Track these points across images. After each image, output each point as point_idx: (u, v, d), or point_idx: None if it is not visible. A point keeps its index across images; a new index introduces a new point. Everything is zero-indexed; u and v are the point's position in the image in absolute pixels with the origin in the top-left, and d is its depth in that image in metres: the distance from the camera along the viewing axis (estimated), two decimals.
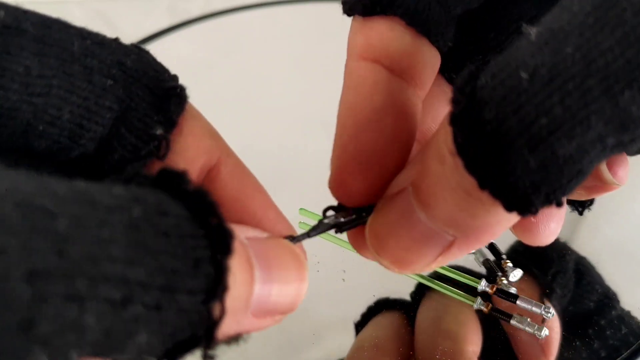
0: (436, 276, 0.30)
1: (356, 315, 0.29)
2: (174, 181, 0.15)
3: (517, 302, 0.28)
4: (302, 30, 0.50)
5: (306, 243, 0.32)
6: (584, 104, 0.14)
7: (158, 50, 0.50)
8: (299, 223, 0.33)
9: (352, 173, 0.20)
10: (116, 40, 0.19)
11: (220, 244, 0.15)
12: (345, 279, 0.30)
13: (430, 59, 0.21)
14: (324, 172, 0.37)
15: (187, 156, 0.19)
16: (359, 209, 0.20)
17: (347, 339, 0.28)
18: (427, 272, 0.19)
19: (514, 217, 0.17)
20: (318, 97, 0.43)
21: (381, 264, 0.20)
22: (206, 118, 0.22)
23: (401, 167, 0.20)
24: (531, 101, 0.15)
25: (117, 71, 0.19)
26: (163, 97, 0.20)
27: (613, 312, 0.29)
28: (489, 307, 0.28)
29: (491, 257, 0.30)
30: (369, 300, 0.30)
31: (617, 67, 0.14)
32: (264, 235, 0.19)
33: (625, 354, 0.27)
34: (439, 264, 0.19)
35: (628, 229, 0.35)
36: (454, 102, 0.16)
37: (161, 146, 0.19)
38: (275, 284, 0.17)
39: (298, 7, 0.51)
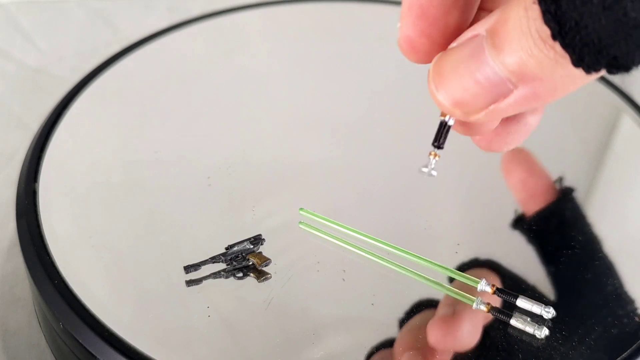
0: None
1: (356, 315, 0.29)
2: None
3: (517, 301, 0.28)
4: (302, 30, 0.50)
5: (306, 243, 0.32)
6: None
7: (158, 50, 0.50)
8: (299, 223, 0.33)
9: (416, 31, 0.21)
10: None
11: None
12: (345, 279, 0.30)
13: None
14: (324, 172, 0.37)
15: None
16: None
17: (347, 339, 0.28)
18: (477, 118, 0.21)
19: (576, 79, 0.18)
20: (318, 97, 0.43)
21: (436, 101, 0.21)
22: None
23: (463, 29, 0.21)
24: None
25: None
26: None
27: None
28: (489, 307, 0.28)
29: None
30: (369, 300, 0.30)
31: None
32: None
33: (625, 354, 0.27)
34: (487, 116, 0.20)
35: (627, 229, 0.35)
36: None
37: None
38: None
39: (298, 7, 0.51)
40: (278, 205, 0.34)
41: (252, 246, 0.31)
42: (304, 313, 0.29)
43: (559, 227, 0.34)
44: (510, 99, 0.20)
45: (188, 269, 0.30)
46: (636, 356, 0.27)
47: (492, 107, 0.20)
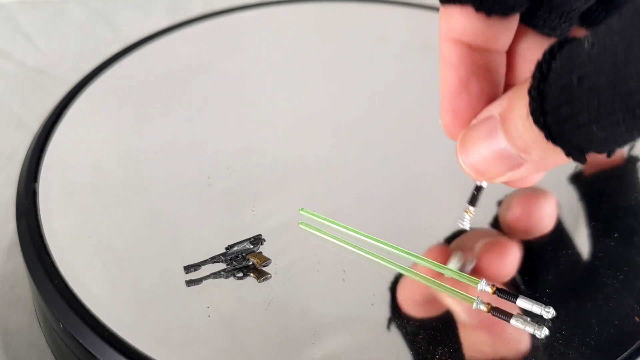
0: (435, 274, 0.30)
1: (356, 315, 0.29)
2: None
3: (517, 301, 0.28)
4: (302, 30, 0.50)
5: (306, 243, 0.32)
6: (613, 111, 0.19)
7: (158, 50, 0.50)
8: (299, 223, 0.33)
9: (453, 124, 0.27)
10: None
11: None
12: (345, 279, 0.30)
13: (502, 30, 0.26)
14: (324, 172, 0.37)
15: None
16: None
17: (347, 339, 0.28)
18: (498, 181, 0.25)
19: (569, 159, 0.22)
20: (318, 97, 0.43)
21: (463, 169, 0.26)
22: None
23: None
24: (579, 100, 0.20)
25: None
26: None
27: None
28: (489, 307, 0.28)
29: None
30: (369, 300, 0.30)
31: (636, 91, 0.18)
32: None
33: (625, 354, 0.27)
34: (507, 179, 0.25)
35: None
36: (533, 75, 0.21)
37: None
38: None
39: (298, 7, 0.51)
40: (278, 205, 0.34)
41: (252, 246, 0.31)
42: (304, 313, 0.29)
43: (561, 225, 0.34)
44: (523, 169, 0.24)
45: (188, 269, 0.30)
46: (636, 356, 0.27)
47: (509, 173, 0.24)
